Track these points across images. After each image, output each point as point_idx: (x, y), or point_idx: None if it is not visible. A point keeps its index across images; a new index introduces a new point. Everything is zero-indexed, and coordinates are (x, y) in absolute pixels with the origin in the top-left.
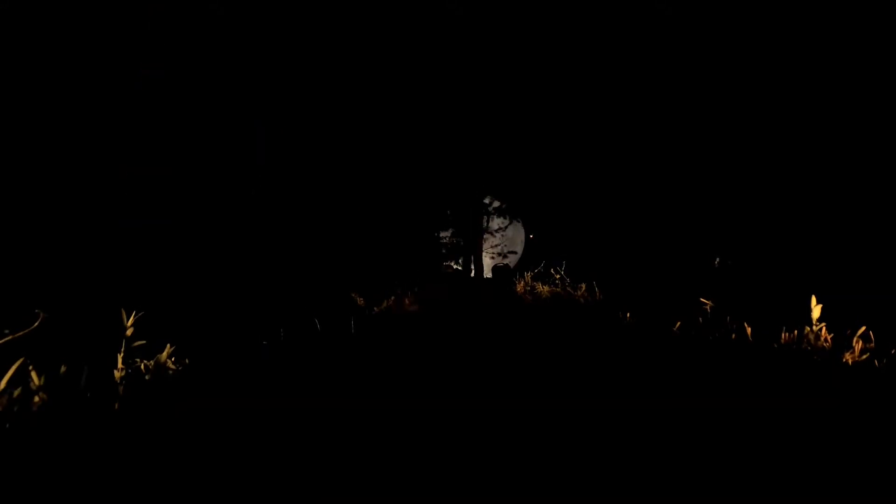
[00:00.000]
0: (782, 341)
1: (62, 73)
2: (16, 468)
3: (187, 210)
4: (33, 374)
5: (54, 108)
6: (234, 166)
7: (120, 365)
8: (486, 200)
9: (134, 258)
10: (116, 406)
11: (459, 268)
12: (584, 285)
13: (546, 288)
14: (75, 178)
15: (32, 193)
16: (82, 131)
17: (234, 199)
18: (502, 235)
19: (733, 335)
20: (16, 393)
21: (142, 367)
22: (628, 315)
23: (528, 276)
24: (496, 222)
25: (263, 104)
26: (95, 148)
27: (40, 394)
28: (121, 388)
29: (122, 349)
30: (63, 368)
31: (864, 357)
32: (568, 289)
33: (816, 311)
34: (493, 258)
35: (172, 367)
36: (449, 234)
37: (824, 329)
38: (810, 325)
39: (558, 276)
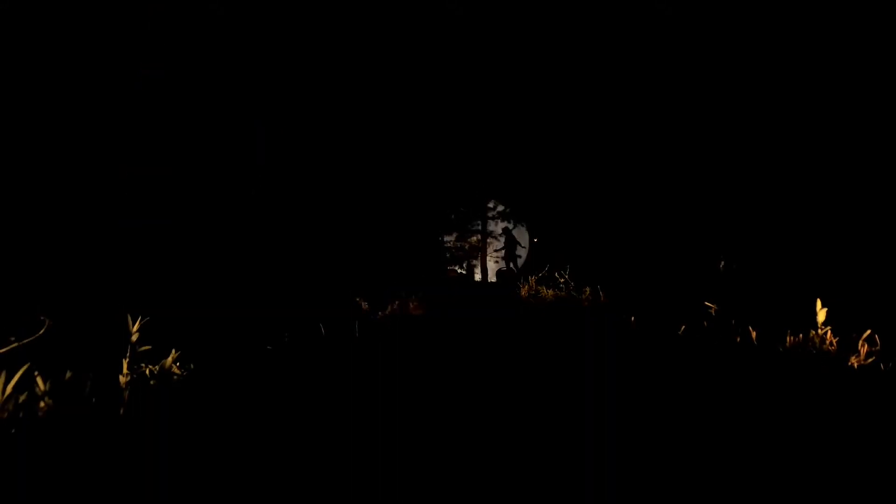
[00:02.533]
0: (787, 345)
1: (62, 73)
2: (21, 473)
3: (187, 210)
4: (39, 380)
5: (54, 108)
6: (234, 166)
7: (125, 370)
8: (490, 204)
9: (135, 259)
10: (121, 411)
11: (463, 272)
12: (588, 289)
13: (550, 292)
14: (75, 179)
15: (32, 195)
16: (82, 131)
17: (234, 200)
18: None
19: (738, 338)
20: (21, 398)
21: (147, 371)
22: (633, 319)
23: (532, 280)
24: (500, 226)
25: (263, 104)
26: (95, 148)
27: (46, 399)
28: (126, 394)
29: (128, 354)
30: (68, 374)
31: (870, 360)
32: (572, 293)
33: (822, 314)
34: (496, 262)
35: (178, 371)
36: (453, 238)
37: (829, 332)
38: (815, 328)
39: (562, 280)
